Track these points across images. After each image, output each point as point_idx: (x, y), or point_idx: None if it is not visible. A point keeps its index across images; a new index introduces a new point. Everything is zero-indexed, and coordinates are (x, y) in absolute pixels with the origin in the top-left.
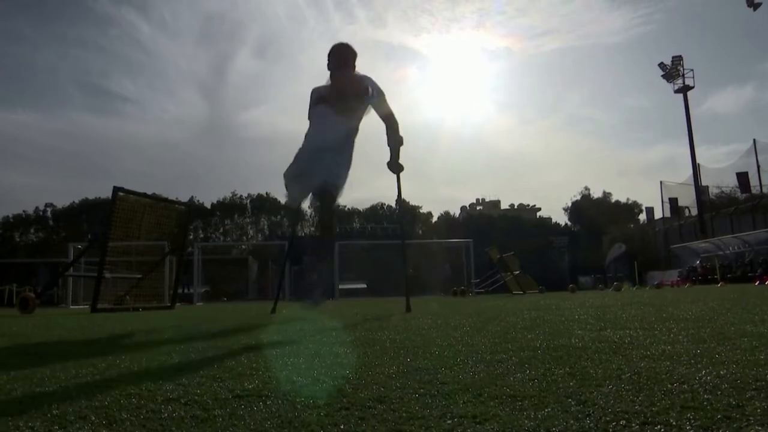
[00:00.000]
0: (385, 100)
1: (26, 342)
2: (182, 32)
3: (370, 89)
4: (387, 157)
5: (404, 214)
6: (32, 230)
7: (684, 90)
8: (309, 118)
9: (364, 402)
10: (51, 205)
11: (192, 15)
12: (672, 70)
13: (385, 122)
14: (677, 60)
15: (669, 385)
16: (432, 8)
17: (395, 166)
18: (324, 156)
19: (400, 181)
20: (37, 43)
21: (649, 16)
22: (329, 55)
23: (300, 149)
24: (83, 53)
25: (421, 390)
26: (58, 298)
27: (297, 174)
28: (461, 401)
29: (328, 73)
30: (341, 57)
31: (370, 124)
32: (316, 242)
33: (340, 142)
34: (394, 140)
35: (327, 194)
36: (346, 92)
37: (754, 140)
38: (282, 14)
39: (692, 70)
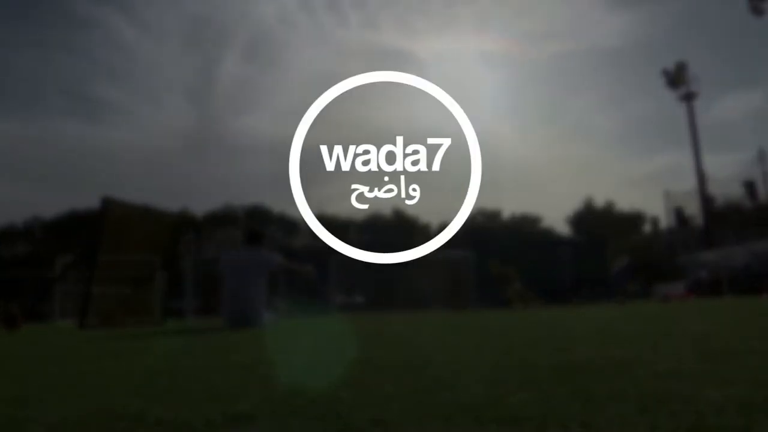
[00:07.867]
0: None
1: (10, 364)
2: (168, 36)
3: None
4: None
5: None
6: (20, 243)
7: (689, 98)
8: None
9: (360, 425)
10: (39, 218)
11: (177, 18)
12: (676, 77)
13: None
14: (681, 66)
15: (674, 406)
16: (428, 9)
17: None
18: None
19: None
20: (15, 46)
21: (652, 19)
22: None
23: None
24: (64, 57)
25: (420, 412)
26: (46, 313)
27: None
28: (461, 424)
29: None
30: None
31: (364, 129)
32: None
33: None
34: None
35: None
36: None
37: (760, 149)
38: (271, 17)
39: (697, 76)
